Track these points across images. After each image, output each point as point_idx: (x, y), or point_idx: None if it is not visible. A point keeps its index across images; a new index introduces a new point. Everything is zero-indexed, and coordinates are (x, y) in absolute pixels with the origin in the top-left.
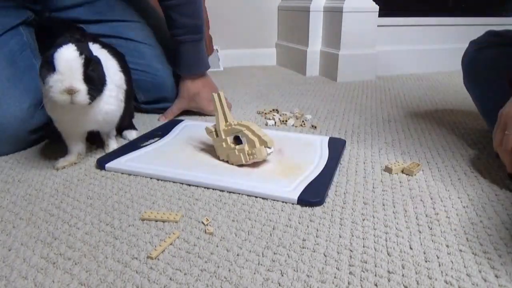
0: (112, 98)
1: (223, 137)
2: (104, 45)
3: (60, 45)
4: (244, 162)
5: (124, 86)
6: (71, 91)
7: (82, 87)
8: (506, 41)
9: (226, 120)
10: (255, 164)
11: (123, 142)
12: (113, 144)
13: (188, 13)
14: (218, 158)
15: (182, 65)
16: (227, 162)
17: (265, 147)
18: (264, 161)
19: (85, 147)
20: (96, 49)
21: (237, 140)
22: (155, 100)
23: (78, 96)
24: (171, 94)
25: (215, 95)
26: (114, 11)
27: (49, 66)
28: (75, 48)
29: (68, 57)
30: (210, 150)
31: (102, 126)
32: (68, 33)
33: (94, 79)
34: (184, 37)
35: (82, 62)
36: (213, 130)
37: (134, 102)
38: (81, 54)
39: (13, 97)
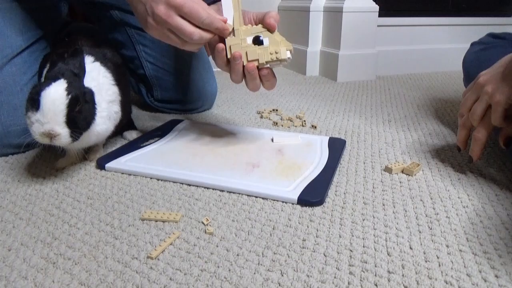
0: (103, 119)
1: (242, 36)
2: (98, 57)
3: (52, 79)
4: (265, 60)
5: (118, 98)
6: (50, 135)
7: (62, 131)
8: (507, 42)
9: (240, 24)
10: (255, 164)
11: (123, 142)
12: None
13: None
14: (226, 56)
15: None
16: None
17: (287, 49)
18: (264, 161)
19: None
20: (89, 64)
21: (256, 42)
22: (170, 100)
23: (58, 140)
24: (190, 97)
25: None
26: None
27: (34, 103)
28: (65, 86)
29: (53, 97)
30: (210, 150)
31: (96, 142)
32: (62, 49)
33: (78, 121)
34: None
35: (67, 102)
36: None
37: (149, 98)
38: (69, 93)
39: None
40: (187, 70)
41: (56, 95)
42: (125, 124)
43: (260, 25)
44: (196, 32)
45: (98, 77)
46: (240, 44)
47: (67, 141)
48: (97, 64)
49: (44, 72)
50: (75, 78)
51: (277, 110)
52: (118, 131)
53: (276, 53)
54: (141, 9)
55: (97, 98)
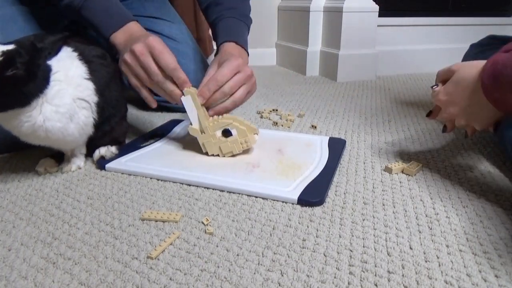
0: (58, 115)
1: (210, 132)
2: (78, 49)
3: (3, 44)
4: (238, 152)
5: (93, 98)
6: None
7: None
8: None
9: (207, 117)
10: (255, 164)
11: None
12: (77, 162)
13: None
14: (206, 154)
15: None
16: (217, 155)
17: (254, 134)
18: (264, 161)
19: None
20: (65, 52)
21: (225, 133)
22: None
23: None
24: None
25: (190, 91)
26: (146, 9)
27: None
28: (6, 48)
29: None
30: None
31: (50, 143)
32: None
33: (6, 86)
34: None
35: None
36: (197, 128)
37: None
38: (3, 54)
39: None
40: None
41: None
42: (109, 138)
43: (226, 115)
44: (160, 74)
45: (70, 66)
46: (211, 140)
47: None
48: (74, 54)
49: None
50: (31, 49)
51: (277, 110)
52: (95, 142)
53: (246, 142)
54: (122, 51)
55: (59, 88)
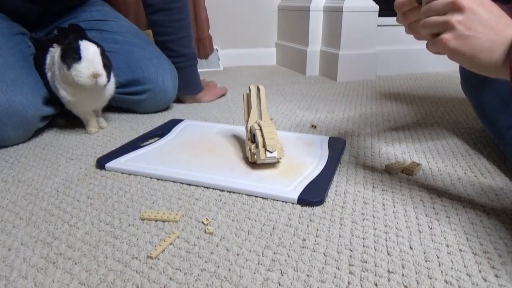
0: None
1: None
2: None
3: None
4: (250, 160)
5: None
6: (96, 75)
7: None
8: None
9: (260, 118)
10: (255, 164)
11: (123, 141)
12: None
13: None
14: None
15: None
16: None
17: (266, 150)
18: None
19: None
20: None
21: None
22: (127, 83)
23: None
24: (146, 75)
25: (253, 88)
26: (93, 15)
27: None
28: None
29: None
30: (210, 150)
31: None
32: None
33: (108, 66)
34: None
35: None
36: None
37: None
38: (98, 45)
39: (27, 83)
40: (127, 44)
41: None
42: None
43: (268, 122)
44: None
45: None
46: (248, 141)
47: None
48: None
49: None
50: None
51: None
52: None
53: (254, 154)
54: None
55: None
